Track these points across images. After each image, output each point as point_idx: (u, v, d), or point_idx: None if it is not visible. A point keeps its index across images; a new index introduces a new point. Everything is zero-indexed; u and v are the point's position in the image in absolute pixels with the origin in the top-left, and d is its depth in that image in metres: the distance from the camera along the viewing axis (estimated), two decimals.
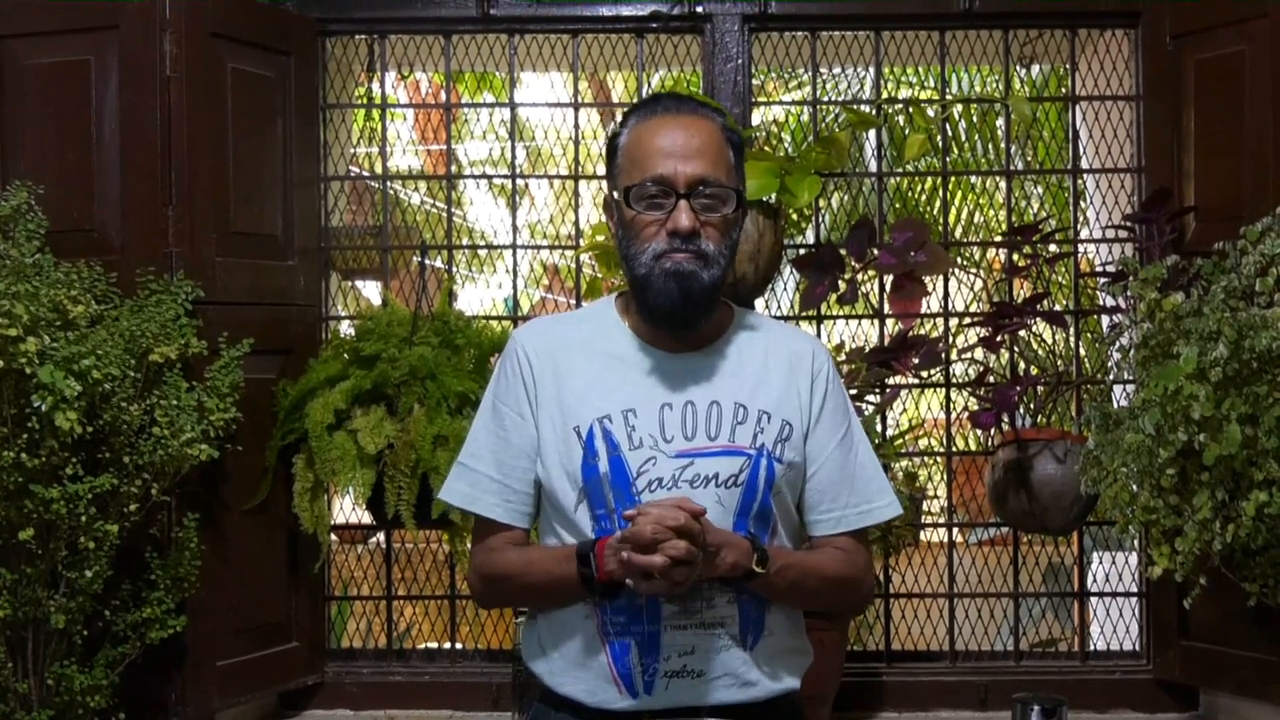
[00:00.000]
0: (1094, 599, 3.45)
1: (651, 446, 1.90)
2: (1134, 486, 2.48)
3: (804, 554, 2.00)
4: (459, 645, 3.38)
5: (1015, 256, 3.21)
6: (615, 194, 1.96)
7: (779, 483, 1.94)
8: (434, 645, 3.53)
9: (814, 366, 2.01)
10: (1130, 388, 2.98)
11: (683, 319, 1.92)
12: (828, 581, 1.98)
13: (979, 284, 4.30)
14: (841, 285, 3.08)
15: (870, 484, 2.03)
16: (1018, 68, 3.46)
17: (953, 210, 5.38)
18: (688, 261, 1.87)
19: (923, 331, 3.22)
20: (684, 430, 1.92)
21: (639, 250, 1.90)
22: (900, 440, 3.35)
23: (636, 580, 1.80)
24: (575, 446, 1.92)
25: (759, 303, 3.09)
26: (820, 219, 3.75)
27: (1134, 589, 3.34)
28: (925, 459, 3.87)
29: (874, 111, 3.40)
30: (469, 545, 2.99)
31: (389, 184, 3.50)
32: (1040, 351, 4.00)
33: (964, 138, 5.57)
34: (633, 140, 1.95)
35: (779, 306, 3.76)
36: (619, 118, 2.06)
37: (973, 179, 5.56)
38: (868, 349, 3.12)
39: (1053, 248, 3.22)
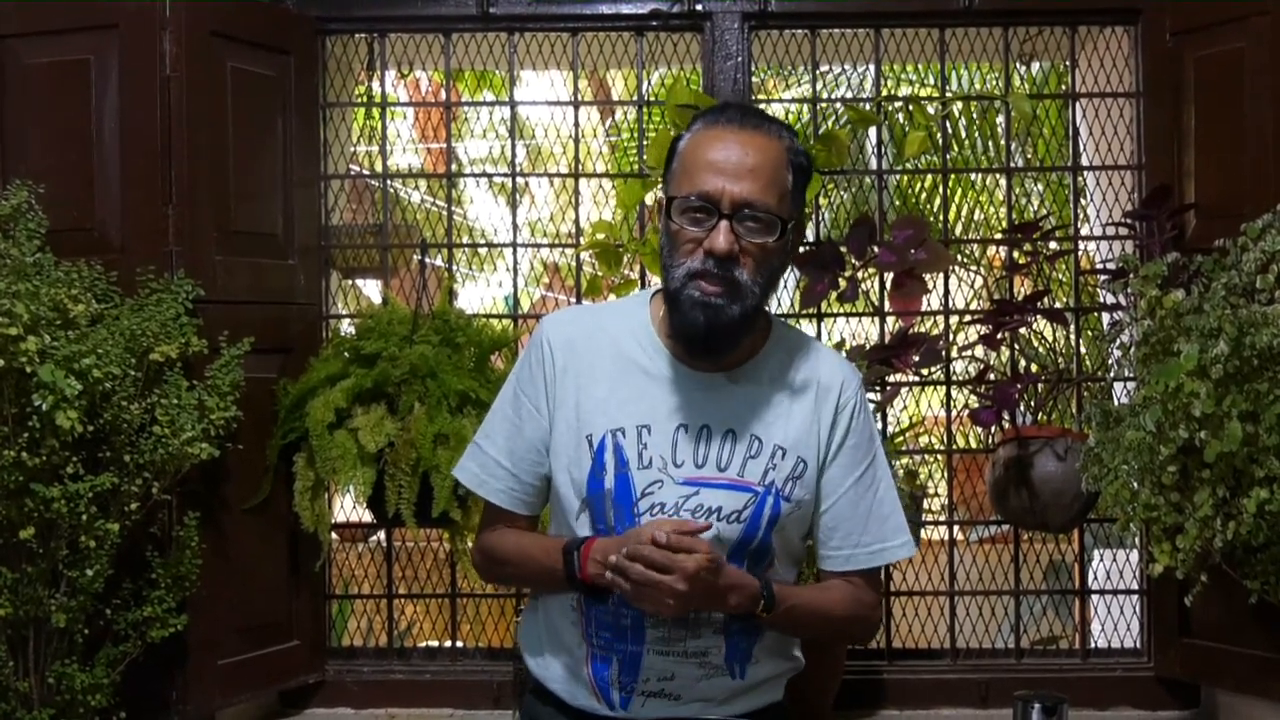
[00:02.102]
0: (1095, 596, 3.45)
1: (660, 469, 1.88)
2: (1135, 484, 2.48)
3: (811, 594, 1.97)
4: (460, 644, 3.38)
5: (1015, 254, 3.21)
6: (662, 200, 1.91)
7: (783, 521, 1.91)
8: (435, 644, 3.53)
9: (840, 400, 1.95)
10: (1131, 385, 2.98)
11: (705, 350, 1.88)
12: (832, 620, 1.96)
13: (979, 281, 4.30)
14: (842, 283, 3.08)
15: (886, 523, 1.97)
16: (1018, 65, 3.46)
17: (953, 208, 5.39)
18: (717, 296, 1.82)
19: (923, 329, 3.22)
20: (695, 457, 1.89)
21: (675, 264, 1.85)
22: (901, 438, 3.35)
23: (624, 594, 1.79)
24: (585, 455, 1.90)
25: None
26: (820, 217, 3.75)
27: (1135, 586, 3.34)
28: (926, 457, 3.87)
29: (874, 109, 3.40)
30: (470, 544, 3.01)
31: (389, 182, 3.50)
32: (1041, 349, 4.00)
33: (964, 135, 5.57)
34: (690, 148, 1.88)
35: (779, 304, 3.75)
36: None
37: (973, 176, 5.56)
38: (868, 347, 3.12)
39: (1053, 245, 3.22)
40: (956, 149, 5.45)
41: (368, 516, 3.12)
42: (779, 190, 1.85)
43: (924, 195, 5.68)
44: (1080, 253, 3.47)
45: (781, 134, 1.90)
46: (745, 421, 1.91)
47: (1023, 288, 3.44)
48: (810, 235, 3.52)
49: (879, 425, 3.16)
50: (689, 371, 1.92)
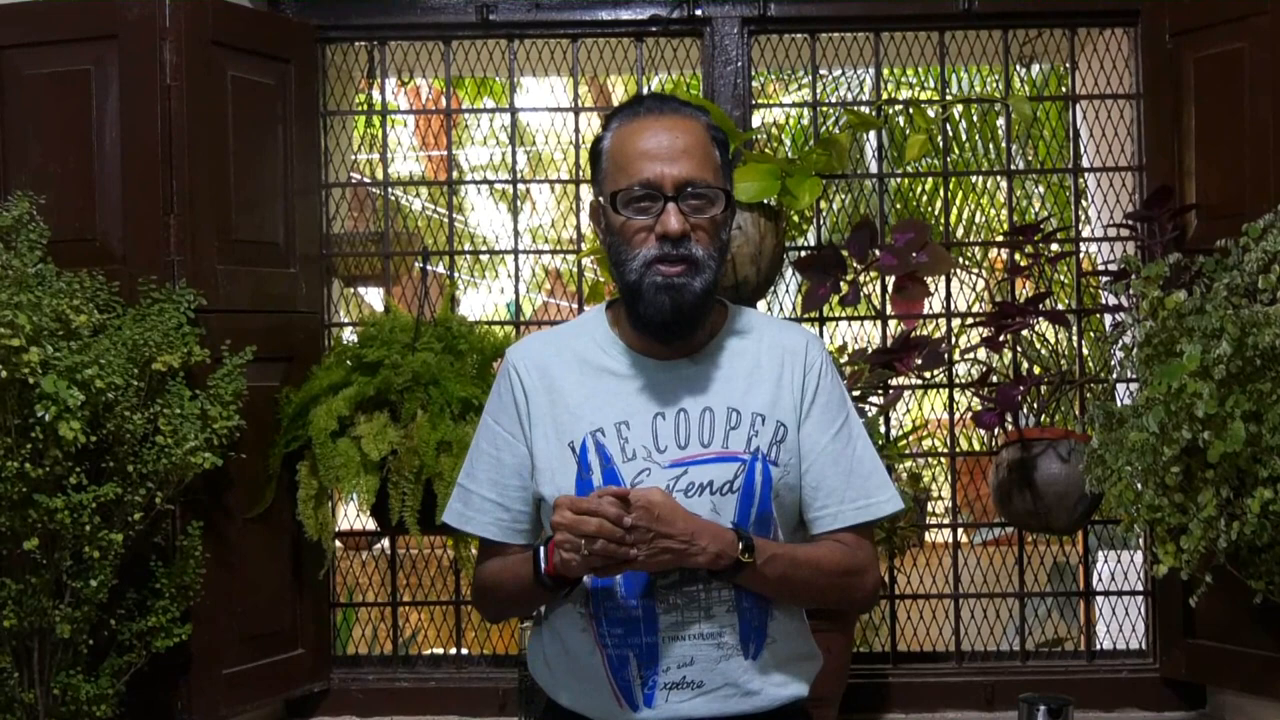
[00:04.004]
0: (1099, 598, 3.44)
1: (645, 458, 1.89)
2: (1138, 485, 2.48)
3: (796, 545, 1.95)
4: (465, 651, 3.38)
5: (1017, 256, 3.21)
6: (602, 200, 1.94)
7: (777, 485, 1.91)
8: (440, 651, 3.53)
9: (806, 361, 1.97)
10: (1133, 386, 2.98)
11: (675, 330, 1.90)
12: (824, 574, 1.93)
13: (981, 284, 4.31)
14: (843, 286, 3.08)
15: (869, 479, 1.97)
16: (1017, 67, 3.46)
17: (954, 210, 5.37)
18: (678, 275, 1.85)
19: (925, 332, 3.22)
20: (677, 439, 1.90)
21: (629, 257, 1.88)
22: (904, 441, 3.34)
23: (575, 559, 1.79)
24: (569, 462, 1.91)
25: (760, 304, 3.09)
26: (821, 220, 3.75)
27: (1139, 587, 3.33)
28: (929, 460, 3.87)
29: (874, 112, 3.40)
30: (474, 550, 3.00)
31: (390, 190, 3.50)
32: (1043, 351, 4.00)
33: (964, 138, 5.57)
34: (616, 144, 1.92)
35: (781, 308, 3.76)
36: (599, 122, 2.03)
37: (974, 179, 5.55)
38: (870, 350, 3.12)
39: (1054, 247, 3.22)
40: (957, 152, 5.45)
41: (371, 524, 3.12)
42: (712, 165, 1.91)
43: (925, 198, 5.68)
44: (1082, 254, 3.47)
45: (697, 114, 1.95)
46: (719, 396, 1.93)
47: (1024, 290, 3.44)
48: (811, 239, 3.52)
49: (882, 429, 3.16)
50: (655, 363, 1.95)
